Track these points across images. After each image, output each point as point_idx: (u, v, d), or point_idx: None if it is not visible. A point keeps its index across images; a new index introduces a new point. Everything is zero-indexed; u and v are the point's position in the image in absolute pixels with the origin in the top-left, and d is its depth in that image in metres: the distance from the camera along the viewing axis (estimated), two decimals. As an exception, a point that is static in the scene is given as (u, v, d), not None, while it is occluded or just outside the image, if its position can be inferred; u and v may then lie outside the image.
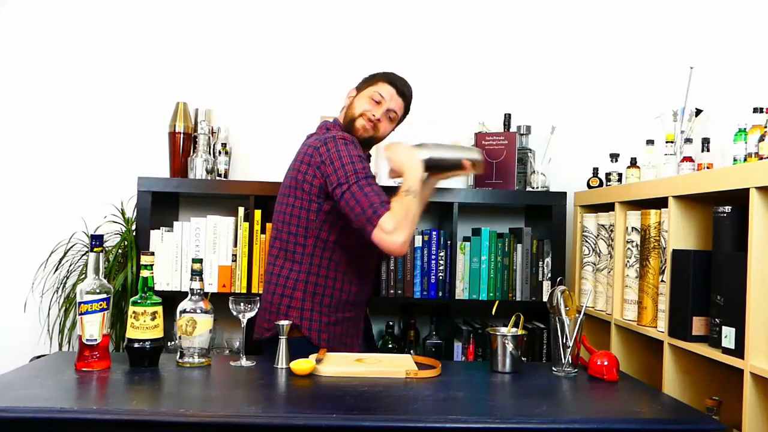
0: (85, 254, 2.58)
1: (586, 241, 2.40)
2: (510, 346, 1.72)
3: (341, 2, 2.81)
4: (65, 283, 2.58)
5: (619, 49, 2.84)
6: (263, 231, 2.46)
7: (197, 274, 1.72)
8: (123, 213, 2.66)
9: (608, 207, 2.23)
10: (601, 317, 2.25)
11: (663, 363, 1.80)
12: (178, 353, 1.71)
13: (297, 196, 1.91)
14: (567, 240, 2.57)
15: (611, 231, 2.20)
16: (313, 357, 1.69)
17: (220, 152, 2.58)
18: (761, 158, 2.03)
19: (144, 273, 1.68)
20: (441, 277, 2.50)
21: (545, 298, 2.48)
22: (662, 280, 1.86)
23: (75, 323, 2.49)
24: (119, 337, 2.44)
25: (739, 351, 1.49)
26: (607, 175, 2.51)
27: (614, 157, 2.53)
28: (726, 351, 1.55)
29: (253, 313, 1.74)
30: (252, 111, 2.79)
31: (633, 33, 2.84)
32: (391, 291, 2.50)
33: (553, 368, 1.75)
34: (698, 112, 2.42)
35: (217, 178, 2.57)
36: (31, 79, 2.76)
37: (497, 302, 2.46)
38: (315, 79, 2.79)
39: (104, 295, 1.63)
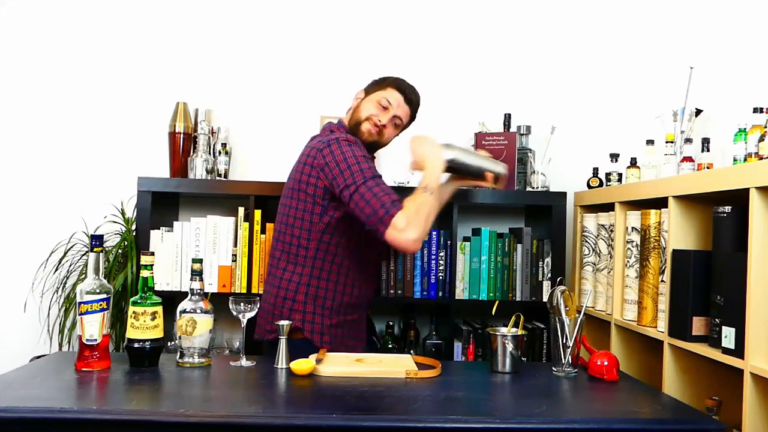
0: (85, 254, 2.58)
1: (586, 241, 2.40)
2: (510, 346, 1.72)
3: (341, 3, 2.81)
4: (65, 283, 2.58)
5: (619, 49, 2.84)
6: (263, 231, 2.46)
7: (197, 274, 1.72)
8: (123, 213, 2.65)
9: (608, 207, 2.23)
10: (601, 317, 2.25)
11: (663, 363, 1.80)
12: (178, 353, 1.71)
13: (300, 198, 1.90)
14: (567, 240, 2.57)
15: (611, 231, 2.20)
16: (313, 357, 1.69)
17: (220, 152, 2.58)
18: (761, 158, 2.03)
19: (144, 273, 1.68)
20: (441, 277, 2.50)
21: (545, 298, 2.48)
22: (662, 280, 1.86)
23: (75, 323, 2.49)
24: (119, 337, 2.44)
25: (739, 351, 1.49)
26: (607, 175, 2.51)
27: (614, 157, 2.53)
28: (726, 351, 1.55)
29: (253, 313, 1.74)
30: (252, 111, 2.79)
31: (633, 33, 2.84)
32: (391, 291, 2.49)
33: (553, 368, 1.75)
34: (698, 112, 2.42)
35: (217, 178, 2.57)
36: (31, 79, 2.76)
37: (497, 302, 2.46)
38: (315, 80, 2.78)
39: (104, 295, 1.63)
